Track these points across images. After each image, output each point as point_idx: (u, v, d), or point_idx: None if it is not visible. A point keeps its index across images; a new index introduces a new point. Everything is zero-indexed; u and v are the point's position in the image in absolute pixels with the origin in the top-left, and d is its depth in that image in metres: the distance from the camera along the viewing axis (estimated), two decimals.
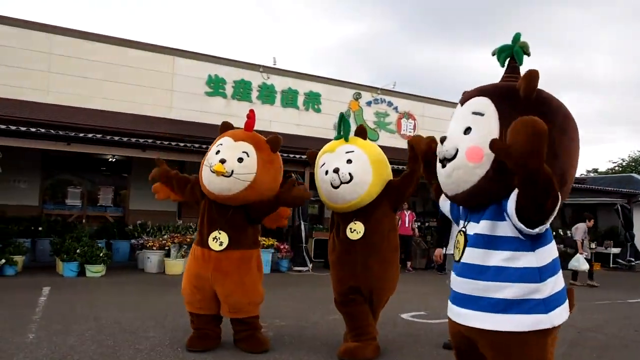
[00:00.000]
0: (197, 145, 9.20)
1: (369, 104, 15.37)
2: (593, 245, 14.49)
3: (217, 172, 3.71)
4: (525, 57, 2.23)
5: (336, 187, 3.78)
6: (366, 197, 3.83)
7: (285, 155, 10.23)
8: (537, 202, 1.83)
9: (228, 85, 13.15)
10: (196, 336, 4.02)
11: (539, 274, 2.01)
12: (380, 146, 4.19)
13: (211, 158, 3.84)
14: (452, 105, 17.38)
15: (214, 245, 3.86)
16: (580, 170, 36.26)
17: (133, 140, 9.04)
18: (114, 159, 11.38)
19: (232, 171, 3.74)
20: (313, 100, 14.41)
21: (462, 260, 2.13)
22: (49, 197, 11.47)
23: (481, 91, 2.15)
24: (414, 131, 16.21)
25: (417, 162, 3.51)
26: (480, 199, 2.08)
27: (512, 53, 2.22)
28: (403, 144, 15.63)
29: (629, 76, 68.51)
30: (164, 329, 4.67)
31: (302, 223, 10.44)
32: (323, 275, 8.80)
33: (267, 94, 13.71)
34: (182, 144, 9.31)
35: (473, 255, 2.08)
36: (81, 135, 8.71)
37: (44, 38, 11.11)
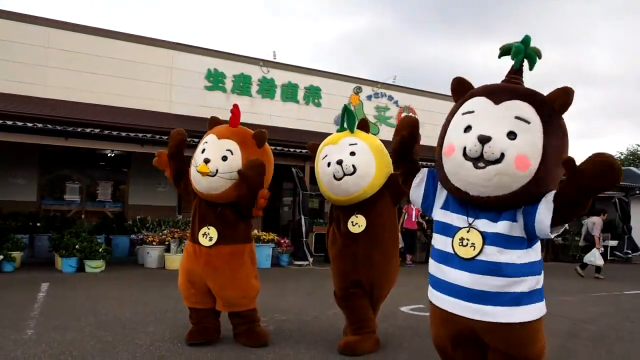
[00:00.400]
0: (196, 139, 8.96)
1: (369, 98, 15.32)
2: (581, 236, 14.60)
3: (202, 173, 3.69)
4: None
5: (339, 179, 3.72)
6: (369, 189, 3.77)
7: (286, 149, 10.32)
8: (576, 215, 2.08)
9: (228, 79, 13.08)
10: (195, 330, 4.00)
11: (539, 266, 2.25)
12: (380, 140, 4.13)
13: (197, 157, 3.82)
14: (452, 99, 17.32)
15: (203, 241, 3.85)
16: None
17: (132, 135, 8.98)
18: (113, 154, 11.33)
19: (217, 170, 3.71)
20: (313, 95, 14.33)
21: (478, 258, 2.14)
22: (47, 192, 11.40)
23: (520, 95, 2.14)
24: None
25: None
26: (510, 205, 2.14)
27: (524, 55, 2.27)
28: None
29: (629, 70, 68.39)
30: (164, 324, 4.63)
31: (303, 217, 10.40)
32: (323, 270, 8.77)
33: (267, 88, 13.64)
34: None
35: (492, 253, 2.14)
36: (79, 130, 8.64)
37: (42, 32, 11.02)
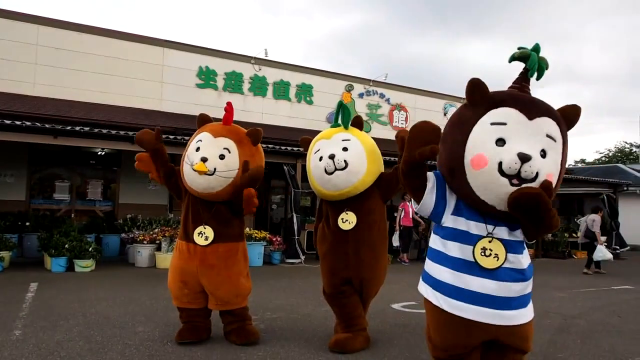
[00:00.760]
0: (187, 138, 8.98)
1: (361, 95, 15.33)
2: (579, 234, 14.78)
3: (200, 172, 3.65)
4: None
5: (330, 174, 3.74)
6: (359, 186, 3.78)
7: (277, 147, 10.29)
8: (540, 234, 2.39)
9: (219, 77, 13.03)
10: (185, 329, 3.98)
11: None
12: (372, 138, 4.14)
13: (192, 155, 3.76)
14: (444, 97, 17.42)
15: (199, 240, 3.82)
16: (569, 161, 36.72)
17: (122, 133, 8.91)
18: (103, 152, 11.24)
19: (215, 169, 3.68)
20: (305, 92, 14.31)
21: (504, 266, 2.18)
22: (36, 191, 11.30)
23: (549, 112, 2.17)
24: (406, 123, 16.19)
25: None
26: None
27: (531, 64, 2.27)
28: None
29: (618, 68, 69.00)
30: (154, 323, 4.61)
31: (295, 215, 10.40)
32: (315, 267, 8.74)
33: (258, 86, 13.59)
34: (172, 137, 9.19)
35: (515, 260, 2.21)
36: (68, 128, 8.56)
37: (31, 29, 10.90)
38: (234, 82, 13.22)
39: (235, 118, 4.07)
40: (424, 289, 2.42)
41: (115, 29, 12.01)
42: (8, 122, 8.07)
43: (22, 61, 10.73)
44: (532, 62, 2.21)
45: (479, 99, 2.19)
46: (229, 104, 4.00)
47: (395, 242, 11.06)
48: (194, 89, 12.68)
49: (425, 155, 2.17)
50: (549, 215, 2.03)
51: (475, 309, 2.17)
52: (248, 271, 4.11)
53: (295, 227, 10.32)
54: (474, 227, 2.19)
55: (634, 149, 33.81)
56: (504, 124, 2.09)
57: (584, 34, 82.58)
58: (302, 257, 10.29)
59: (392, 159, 11.44)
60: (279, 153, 10.29)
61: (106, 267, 8.68)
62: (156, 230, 9.41)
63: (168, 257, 8.70)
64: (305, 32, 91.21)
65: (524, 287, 2.21)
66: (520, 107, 2.11)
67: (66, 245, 8.11)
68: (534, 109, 2.12)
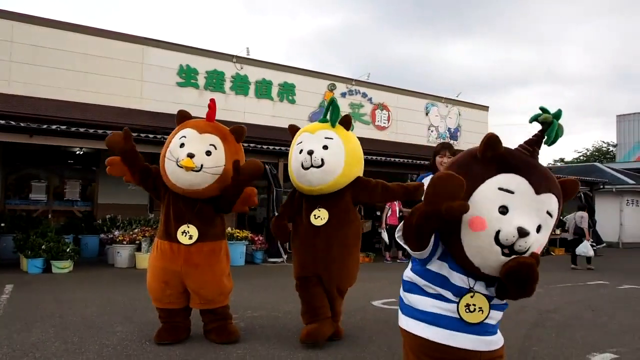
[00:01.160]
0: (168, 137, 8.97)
1: (343, 95, 15.35)
2: (558, 232, 15.06)
3: (187, 168, 3.59)
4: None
5: (306, 169, 3.76)
6: (332, 185, 3.82)
7: (259, 146, 10.25)
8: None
9: (200, 75, 12.92)
10: (164, 329, 3.94)
11: None
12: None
13: (176, 152, 3.68)
14: (426, 97, 17.59)
15: (183, 239, 3.77)
16: (548, 160, 37.51)
17: (100, 132, 8.76)
18: (82, 152, 11.05)
19: (202, 165, 3.64)
20: (287, 91, 14.28)
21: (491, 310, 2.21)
22: (12, 192, 11.05)
23: (553, 187, 2.11)
24: (388, 122, 16.31)
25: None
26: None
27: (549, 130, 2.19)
28: (377, 135, 15.75)
29: (600, 70, 70.48)
30: (132, 323, 4.55)
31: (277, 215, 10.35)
32: None
33: (240, 85, 13.53)
34: (152, 136, 9.09)
35: (497, 302, 2.23)
36: (44, 127, 8.39)
37: (5, 25, 10.64)
38: (215, 81, 13.13)
39: (217, 117, 4.02)
40: (404, 321, 2.30)
41: (94, 26, 11.81)
42: None
43: None
44: (551, 130, 2.14)
45: (492, 155, 2.10)
46: (212, 101, 3.95)
47: (386, 238, 11.18)
48: (175, 87, 12.55)
49: (452, 213, 1.96)
50: (534, 287, 2.06)
51: (461, 336, 2.15)
52: (229, 270, 4.09)
53: None
54: (456, 278, 2.17)
55: (611, 148, 34.57)
56: (512, 192, 2.03)
57: (566, 35, 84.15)
58: (285, 256, 10.27)
59: (373, 157, 11.60)
60: (261, 152, 10.25)
61: (85, 268, 8.53)
62: (136, 230, 9.30)
63: (148, 258, 8.61)
64: (288, 30, 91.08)
65: (500, 316, 2.27)
66: (531, 180, 2.04)
67: (43, 246, 7.96)
68: (544, 183, 2.06)
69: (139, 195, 11.58)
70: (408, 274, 2.33)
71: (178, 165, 3.62)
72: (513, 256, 1.98)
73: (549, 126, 2.14)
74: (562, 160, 37.36)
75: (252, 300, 5.78)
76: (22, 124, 8.17)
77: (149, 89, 12.19)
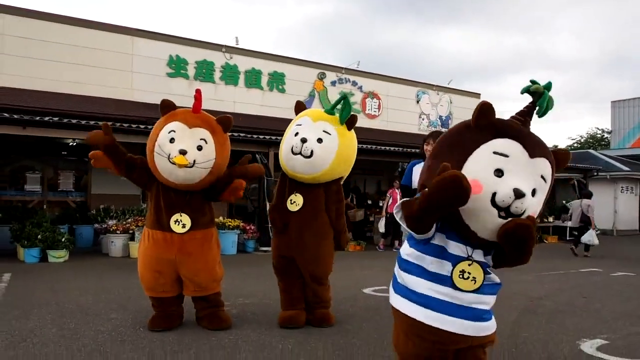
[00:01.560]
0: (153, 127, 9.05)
1: (333, 83, 15.41)
2: (551, 219, 15.23)
3: (180, 165, 3.63)
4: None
5: (294, 154, 3.86)
6: (312, 178, 3.97)
7: (249, 136, 10.36)
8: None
9: (190, 66, 12.95)
10: (158, 317, 4.08)
11: None
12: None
13: (166, 147, 3.68)
14: (417, 84, 17.64)
15: (176, 228, 3.84)
16: None
17: (92, 123, 8.84)
18: (75, 143, 11.11)
19: (194, 161, 3.69)
20: (277, 81, 14.34)
21: (484, 283, 2.21)
22: (7, 183, 11.14)
23: (547, 153, 2.16)
24: (379, 110, 16.40)
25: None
26: None
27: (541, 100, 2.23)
28: (368, 124, 15.81)
29: (591, 55, 70.50)
30: (127, 311, 4.71)
31: (268, 204, 10.49)
32: None
33: (230, 75, 13.57)
34: (142, 126, 9.18)
35: (491, 277, 2.26)
36: (37, 118, 8.47)
37: None
38: (205, 71, 13.17)
39: (206, 107, 4.07)
40: (396, 299, 2.33)
41: (83, 18, 11.80)
42: None
43: None
44: (543, 100, 2.19)
45: (485, 123, 2.15)
46: (197, 91, 3.94)
47: (382, 228, 11.18)
48: (165, 78, 12.58)
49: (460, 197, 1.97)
50: (531, 250, 2.08)
51: (453, 320, 2.16)
52: (220, 258, 4.24)
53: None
54: (454, 247, 2.18)
55: (606, 135, 34.57)
56: (507, 156, 2.07)
57: (557, 21, 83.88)
58: None
59: (365, 146, 11.68)
60: (251, 142, 10.36)
61: (80, 257, 8.68)
62: (129, 220, 9.44)
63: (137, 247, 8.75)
64: (277, 19, 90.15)
65: (493, 300, 2.27)
66: (525, 144, 2.10)
67: (39, 236, 8.10)
68: (537, 148, 2.12)
69: (132, 185, 11.53)
70: (407, 251, 2.31)
71: (170, 162, 3.67)
72: (510, 218, 2.01)
73: (540, 97, 2.19)
74: (555, 147, 37.46)
75: (244, 288, 5.94)
76: (15, 116, 8.25)
77: (139, 79, 12.23)
